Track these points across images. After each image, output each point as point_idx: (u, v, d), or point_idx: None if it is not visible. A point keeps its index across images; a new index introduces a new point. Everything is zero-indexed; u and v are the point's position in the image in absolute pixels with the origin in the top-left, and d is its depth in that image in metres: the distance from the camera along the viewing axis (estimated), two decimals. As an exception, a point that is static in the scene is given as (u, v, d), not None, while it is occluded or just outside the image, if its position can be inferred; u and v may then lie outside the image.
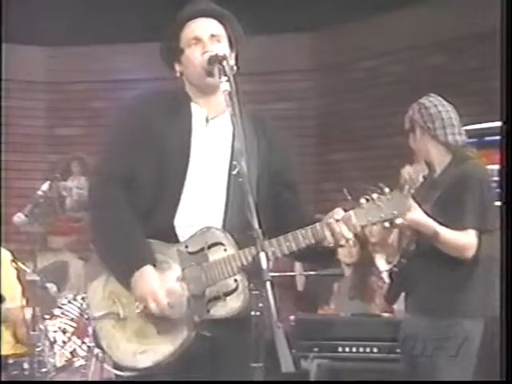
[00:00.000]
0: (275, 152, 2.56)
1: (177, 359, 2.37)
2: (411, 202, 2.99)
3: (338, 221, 2.35)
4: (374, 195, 2.36)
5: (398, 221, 2.40)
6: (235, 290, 2.37)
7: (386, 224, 2.39)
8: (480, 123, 4.30)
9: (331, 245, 2.38)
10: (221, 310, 2.38)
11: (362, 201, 2.36)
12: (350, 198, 2.38)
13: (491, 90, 6.07)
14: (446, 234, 3.23)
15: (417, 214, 3.15)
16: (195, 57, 2.47)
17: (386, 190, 2.37)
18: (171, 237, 2.43)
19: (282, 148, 2.61)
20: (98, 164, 2.63)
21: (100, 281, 2.46)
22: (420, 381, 3.31)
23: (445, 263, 3.27)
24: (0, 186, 7.37)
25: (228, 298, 2.37)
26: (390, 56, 7.25)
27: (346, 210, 2.38)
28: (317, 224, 2.36)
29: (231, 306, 2.36)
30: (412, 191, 2.66)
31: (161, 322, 2.38)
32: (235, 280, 2.35)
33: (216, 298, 2.38)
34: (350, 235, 2.37)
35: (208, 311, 2.38)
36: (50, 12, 7.15)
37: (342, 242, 2.37)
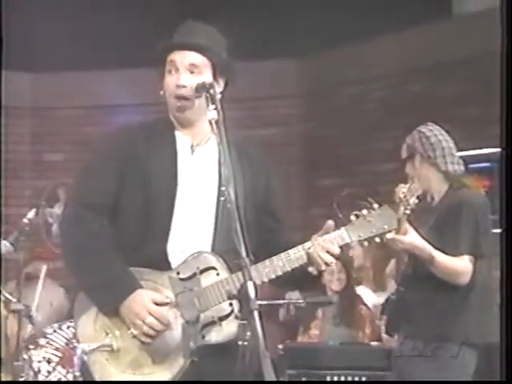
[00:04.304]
0: (260, 179, 2.57)
1: None
2: (407, 224, 3.00)
3: (325, 241, 2.32)
4: (364, 211, 2.35)
5: (389, 235, 2.39)
6: (230, 314, 2.32)
7: (377, 239, 2.37)
8: (465, 150, 4.33)
9: (314, 271, 2.37)
10: (217, 336, 2.34)
11: (352, 217, 2.35)
12: (340, 215, 2.37)
13: (476, 117, 6.14)
14: (442, 258, 3.24)
15: (413, 237, 3.16)
16: (168, 84, 2.50)
17: (375, 205, 2.36)
18: (164, 264, 2.41)
19: (267, 175, 2.61)
20: (71, 191, 2.61)
21: (90, 314, 2.40)
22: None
23: (440, 289, 3.27)
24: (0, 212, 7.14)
25: (224, 323, 2.33)
26: (375, 82, 7.29)
27: (336, 225, 2.37)
28: (292, 250, 2.35)
29: (227, 330, 2.32)
30: (407, 212, 2.65)
31: (156, 351, 2.34)
32: (230, 304, 2.31)
33: (211, 324, 2.34)
34: (331, 259, 2.34)
35: (203, 337, 2.33)
36: (37, 37, 7.16)
37: (323, 267, 2.35)
